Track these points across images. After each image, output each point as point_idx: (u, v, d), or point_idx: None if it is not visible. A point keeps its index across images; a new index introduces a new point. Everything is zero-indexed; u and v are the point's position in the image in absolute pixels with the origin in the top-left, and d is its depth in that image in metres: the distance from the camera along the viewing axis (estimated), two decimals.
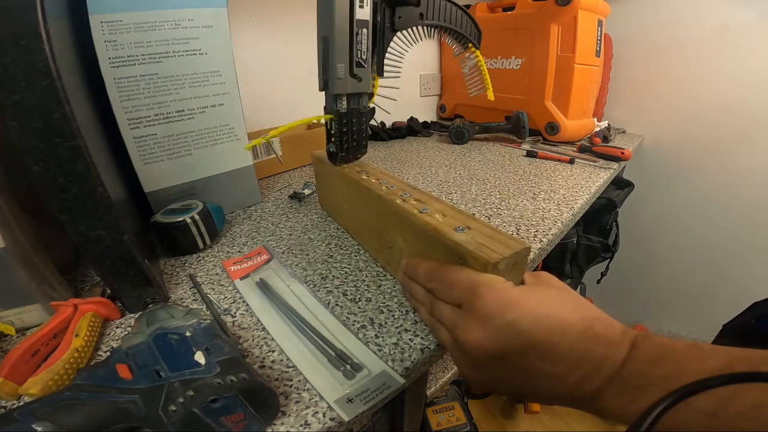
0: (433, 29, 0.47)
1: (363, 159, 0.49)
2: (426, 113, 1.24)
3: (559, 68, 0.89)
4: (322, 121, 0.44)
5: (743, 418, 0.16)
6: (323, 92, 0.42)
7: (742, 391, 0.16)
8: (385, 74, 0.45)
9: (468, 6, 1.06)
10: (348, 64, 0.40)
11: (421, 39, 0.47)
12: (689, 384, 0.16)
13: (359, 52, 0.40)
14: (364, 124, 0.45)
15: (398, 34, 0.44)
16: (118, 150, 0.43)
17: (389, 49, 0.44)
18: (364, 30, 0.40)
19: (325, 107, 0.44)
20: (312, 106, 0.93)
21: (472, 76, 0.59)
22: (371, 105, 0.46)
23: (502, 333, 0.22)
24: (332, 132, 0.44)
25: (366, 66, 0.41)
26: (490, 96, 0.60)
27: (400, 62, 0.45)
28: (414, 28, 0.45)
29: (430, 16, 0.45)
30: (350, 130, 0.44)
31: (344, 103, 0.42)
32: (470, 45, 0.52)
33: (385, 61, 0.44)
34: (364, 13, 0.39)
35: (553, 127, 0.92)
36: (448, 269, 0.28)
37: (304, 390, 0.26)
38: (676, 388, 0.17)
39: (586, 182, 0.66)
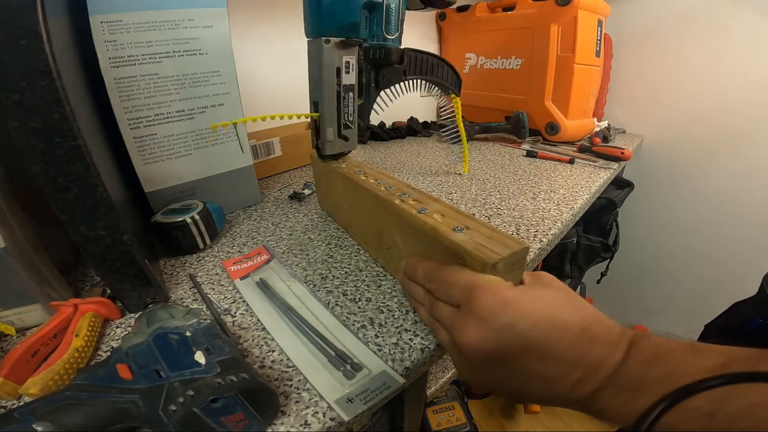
0: (416, 82, 0.51)
1: (363, 159, 0.50)
2: (426, 113, 1.24)
3: (559, 68, 0.89)
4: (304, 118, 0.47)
5: (740, 418, 0.16)
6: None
7: (739, 391, 0.16)
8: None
9: (468, 6, 1.06)
10: (336, 127, 0.44)
11: (405, 93, 0.50)
12: (687, 385, 0.16)
13: (346, 114, 0.44)
14: (352, 125, 0.47)
15: (382, 92, 0.48)
16: (118, 150, 0.43)
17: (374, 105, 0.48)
18: (351, 93, 0.44)
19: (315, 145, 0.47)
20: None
21: (450, 127, 0.63)
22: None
23: (499, 334, 0.22)
24: (319, 128, 0.46)
25: (353, 127, 0.45)
26: (465, 170, 0.65)
27: (382, 111, 0.50)
28: (397, 84, 0.48)
29: (412, 71, 0.48)
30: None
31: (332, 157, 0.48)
32: (451, 93, 0.55)
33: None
34: (350, 78, 0.43)
35: (553, 127, 0.92)
36: (447, 269, 0.28)
37: (304, 390, 0.26)
38: (673, 388, 0.17)
39: (586, 182, 0.66)
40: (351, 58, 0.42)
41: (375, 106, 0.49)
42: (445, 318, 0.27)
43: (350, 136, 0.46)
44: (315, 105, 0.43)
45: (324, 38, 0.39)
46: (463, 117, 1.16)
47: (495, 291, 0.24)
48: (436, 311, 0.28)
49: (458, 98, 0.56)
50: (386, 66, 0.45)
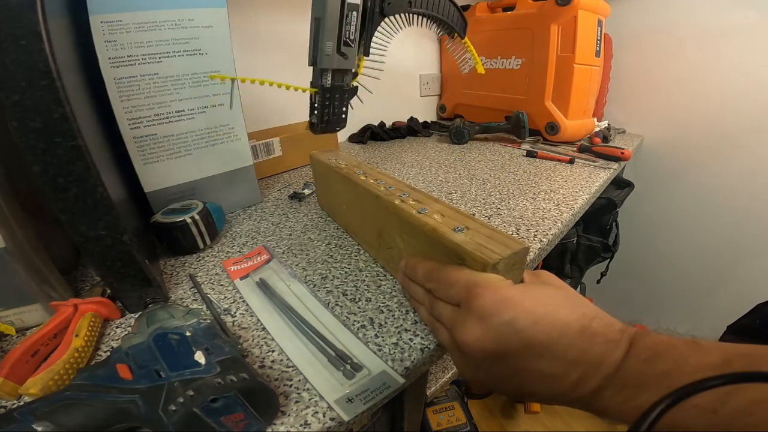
0: (420, 17, 0.49)
1: (363, 159, 0.50)
2: (426, 113, 1.24)
3: (559, 68, 0.89)
4: (307, 93, 0.46)
5: (743, 414, 0.16)
6: (311, 67, 0.45)
7: (741, 387, 0.16)
8: (372, 55, 0.48)
9: (467, 6, 1.06)
10: (336, 42, 0.43)
11: (408, 26, 0.49)
12: (689, 384, 0.16)
13: (347, 32, 0.43)
14: (345, 100, 0.48)
15: (386, 19, 0.46)
16: (118, 150, 0.43)
17: (376, 33, 0.47)
18: (354, 13, 0.42)
19: (311, 82, 0.47)
20: None
21: (461, 55, 0.62)
22: (354, 84, 0.48)
23: (499, 332, 0.22)
24: (315, 105, 0.47)
25: (353, 46, 0.44)
26: (480, 69, 0.62)
27: (386, 46, 0.48)
28: (401, 14, 0.47)
29: (418, 4, 0.47)
30: (332, 104, 0.47)
31: (329, 78, 0.45)
32: (455, 35, 0.54)
33: (372, 43, 0.47)
34: None
35: (553, 127, 0.92)
36: (447, 269, 0.28)
37: (304, 390, 0.26)
38: (675, 385, 0.17)
39: (586, 182, 0.66)
40: None
41: (379, 45, 0.48)
42: (446, 317, 0.27)
43: (349, 54, 0.45)
44: (316, 21, 0.42)
45: None
46: (461, 116, 1.17)
47: (495, 289, 0.24)
48: (437, 311, 0.28)
49: (467, 40, 0.56)
50: None
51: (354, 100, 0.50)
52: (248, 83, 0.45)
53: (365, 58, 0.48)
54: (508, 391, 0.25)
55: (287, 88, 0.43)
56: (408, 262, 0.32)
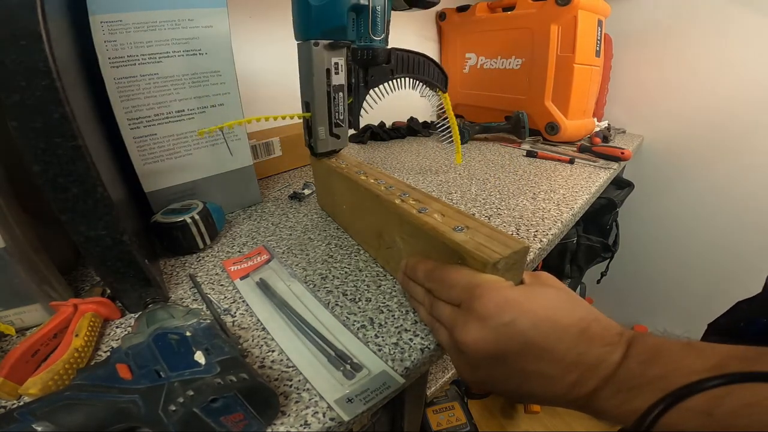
0: (403, 80, 0.52)
1: (363, 159, 0.50)
2: (426, 113, 1.24)
3: (559, 68, 0.89)
4: (296, 120, 0.47)
5: (738, 416, 0.16)
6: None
7: (736, 389, 0.16)
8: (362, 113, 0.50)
9: (467, 6, 1.06)
10: (327, 126, 0.46)
11: (394, 91, 0.52)
12: (685, 386, 0.17)
13: (337, 113, 0.46)
14: (342, 124, 0.49)
15: (371, 90, 0.49)
16: (118, 150, 0.43)
17: (364, 105, 0.50)
18: (340, 93, 0.45)
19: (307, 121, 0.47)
20: None
21: (442, 123, 0.64)
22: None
23: (499, 333, 0.22)
24: (311, 127, 0.47)
25: (343, 125, 0.47)
26: (458, 160, 0.66)
27: (373, 106, 0.51)
28: (385, 82, 0.50)
29: (399, 70, 0.50)
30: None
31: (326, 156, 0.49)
32: (438, 90, 0.57)
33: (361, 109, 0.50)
34: (339, 78, 0.44)
35: (553, 127, 0.92)
36: (447, 269, 0.28)
37: (304, 390, 0.26)
38: (671, 387, 0.17)
39: (586, 182, 0.66)
40: (340, 59, 0.44)
41: (365, 104, 0.50)
42: (446, 317, 0.27)
43: (341, 134, 0.48)
44: (306, 105, 0.45)
45: (313, 41, 0.41)
46: (462, 116, 1.17)
47: (496, 290, 0.24)
48: (437, 311, 0.28)
49: (446, 95, 0.58)
50: (374, 65, 0.47)
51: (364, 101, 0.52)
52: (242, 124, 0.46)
53: (354, 130, 0.51)
54: (506, 391, 0.25)
55: (282, 118, 0.44)
56: (408, 261, 0.32)
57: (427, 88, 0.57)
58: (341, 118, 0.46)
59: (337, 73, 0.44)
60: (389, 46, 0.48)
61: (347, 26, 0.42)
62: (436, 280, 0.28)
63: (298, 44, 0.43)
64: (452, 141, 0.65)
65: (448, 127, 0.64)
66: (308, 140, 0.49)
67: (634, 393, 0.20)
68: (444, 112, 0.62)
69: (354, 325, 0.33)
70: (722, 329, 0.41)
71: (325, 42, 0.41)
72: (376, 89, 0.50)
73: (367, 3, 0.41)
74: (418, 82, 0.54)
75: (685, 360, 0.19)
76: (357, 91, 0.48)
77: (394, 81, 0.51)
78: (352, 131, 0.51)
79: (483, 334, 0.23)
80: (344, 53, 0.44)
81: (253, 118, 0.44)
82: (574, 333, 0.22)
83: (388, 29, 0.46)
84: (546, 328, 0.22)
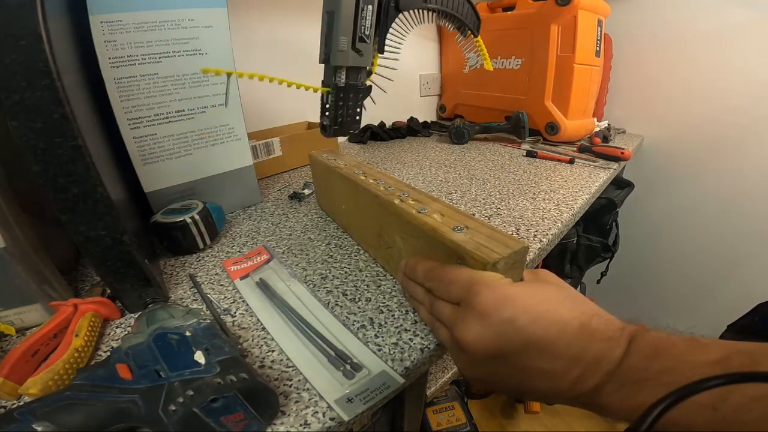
0: (434, 13, 0.48)
1: (362, 159, 0.49)
2: (426, 113, 1.24)
3: (559, 68, 0.89)
4: (314, 92, 0.44)
5: (744, 411, 0.16)
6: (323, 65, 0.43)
7: (741, 384, 0.16)
8: (386, 53, 0.46)
9: None
10: (351, 37, 0.41)
11: (422, 22, 0.47)
12: (689, 384, 0.17)
13: (363, 27, 0.41)
14: (360, 100, 0.46)
15: (401, 14, 0.44)
16: (118, 150, 0.43)
17: (391, 29, 0.45)
18: (369, 6, 0.41)
19: (323, 81, 0.44)
20: (313, 105, 0.93)
21: (470, 52, 0.58)
22: (368, 83, 0.46)
23: (500, 330, 0.22)
24: (327, 105, 0.44)
25: (368, 41, 0.42)
26: (488, 66, 0.58)
27: (400, 43, 0.46)
28: (416, 10, 0.45)
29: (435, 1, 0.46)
30: (346, 104, 0.44)
31: (343, 76, 0.42)
32: (469, 33, 0.52)
33: (386, 40, 0.45)
34: None
35: (553, 127, 0.92)
36: (447, 268, 0.28)
37: (303, 390, 0.26)
38: (674, 382, 0.17)
39: (586, 182, 0.66)
40: None
41: (387, 43, 0.46)
42: (446, 316, 0.27)
43: (364, 51, 0.42)
44: (329, 15, 0.40)
45: None
46: (462, 116, 1.16)
47: (495, 287, 0.24)
48: (437, 309, 0.28)
49: (479, 38, 0.53)
50: None
51: (365, 101, 0.48)
52: (252, 80, 0.42)
53: (379, 55, 0.46)
54: (507, 388, 0.25)
55: (297, 86, 0.41)
56: (408, 261, 0.32)
57: (457, 30, 0.52)
58: (367, 33, 0.41)
59: None
60: None
61: None
62: (436, 279, 0.28)
63: None
64: (481, 62, 0.59)
65: (479, 58, 0.58)
66: (322, 119, 0.45)
67: (638, 388, 0.20)
68: (475, 51, 0.56)
69: (354, 325, 0.33)
70: (742, 330, 0.41)
71: None
72: (404, 15, 0.45)
73: None
74: (449, 19, 0.49)
75: (688, 354, 0.19)
76: (386, 12, 0.43)
77: (425, 12, 0.46)
78: (373, 70, 0.46)
79: (483, 332, 0.23)
80: None
81: (267, 77, 0.41)
82: (575, 328, 0.22)
83: None
84: (546, 323, 0.22)
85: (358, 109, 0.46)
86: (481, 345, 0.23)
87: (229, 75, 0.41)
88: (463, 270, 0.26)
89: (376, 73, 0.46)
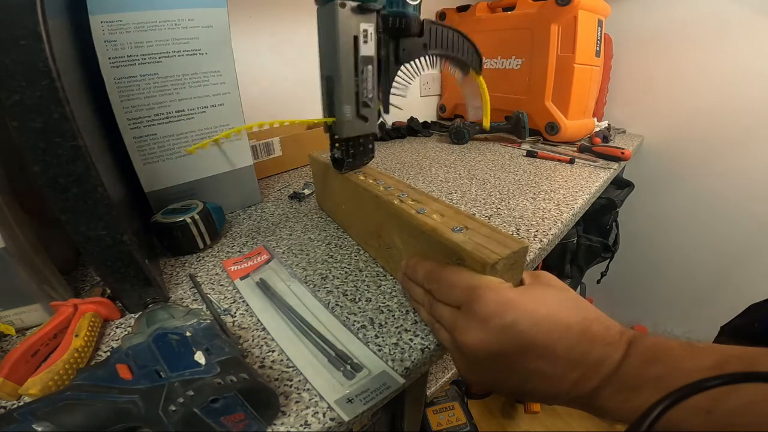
0: (436, 58, 0.45)
1: None
2: (426, 113, 1.24)
3: (559, 68, 0.89)
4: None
5: (738, 415, 0.17)
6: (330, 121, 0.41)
7: (736, 388, 0.16)
8: (390, 108, 0.44)
9: (467, 6, 1.06)
10: (354, 105, 0.40)
11: (425, 69, 0.45)
12: (686, 385, 0.17)
13: (365, 91, 0.39)
14: (370, 143, 0.44)
15: (402, 66, 0.42)
16: (118, 150, 0.43)
17: (394, 83, 0.43)
18: (369, 67, 0.39)
19: (333, 123, 0.42)
20: (313, 105, 0.93)
21: (473, 99, 0.55)
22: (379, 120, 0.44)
23: (501, 334, 0.22)
24: (336, 137, 0.42)
25: (372, 106, 0.41)
26: (486, 125, 0.57)
27: (404, 94, 0.44)
28: (418, 59, 0.43)
29: (434, 45, 0.43)
30: (356, 149, 0.43)
31: (350, 141, 0.42)
32: (472, 71, 0.50)
33: (390, 96, 0.43)
34: (368, 48, 0.38)
35: (553, 127, 0.92)
36: (447, 270, 0.28)
37: (304, 390, 0.26)
38: (671, 386, 0.17)
39: (586, 182, 0.66)
40: (369, 26, 0.38)
41: (397, 101, 0.44)
42: (446, 319, 0.27)
43: (369, 116, 0.41)
44: (328, 81, 0.39)
45: (339, 1, 0.35)
46: (461, 115, 1.16)
47: (496, 291, 0.24)
48: (437, 312, 0.28)
49: (481, 77, 0.51)
50: (406, 37, 0.40)
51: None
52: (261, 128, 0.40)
53: (384, 113, 0.44)
54: (508, 390, 0.25)
55: (308, 126, 0.39)
56: (408, 262, 0.32)
57: (458, 70, 0.49)
58: (370, 96, 0.40)
59: (365, 42, 0.38)
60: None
61: None
62: (436, 281, 0.28)
63: (318, 8, 0.38)
64: (479, 114, 0.56)
65: (478, 108, 0.55)
66: (333, 152, 0.44)
67: (636, 392, 0.20)
68: (475, 92, 0.53)
69: (354, 325, 0.33)
70: (735, 331, 0.41)
71: (353, 3, 0.36)
72: (408, 66, 0.43)
73: None
74: (451, 61, 0.47)
75: (685, 359, 0.19)
76: (387, 67, 0.41)
77: (427, 58, 0.44)
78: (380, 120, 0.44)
79: (485, 336, 0.23)
80: (374, 19, 0.38)
81: (255, 124, 0.40)
82: (576, 332, 0.22)
83: None
84: (548, 327, 0.22)
85: (371, 137, 0.45)
86: (482, 348, 0.23)
87: (216, 141, 0.40)
88: (464, 273, 0.26)
89: (382, 113, 0.44)
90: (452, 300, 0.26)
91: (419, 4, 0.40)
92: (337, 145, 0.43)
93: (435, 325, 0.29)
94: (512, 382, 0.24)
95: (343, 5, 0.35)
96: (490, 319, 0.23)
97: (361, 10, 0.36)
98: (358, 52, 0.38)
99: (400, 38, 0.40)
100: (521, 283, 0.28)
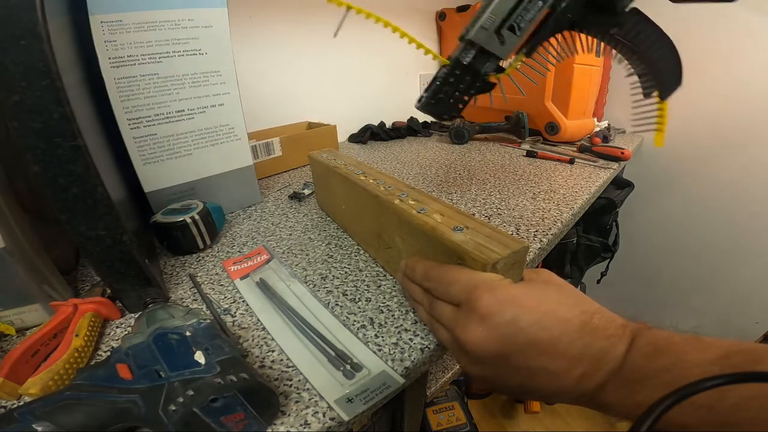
0: (620, 46, 0.38)
1: (362, 159, 0.49)
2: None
3: (559, 68, 0.88)
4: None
5: (740, 410, 0.17)
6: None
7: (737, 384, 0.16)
8: (533, 57, 0.39)
9: (467, 6, 1.06)
10: (500, 19, 0.35)
11: (598, 55, 0.39)
12: (692, 383, 0.17)
13: (520, 16, 0.35)
14: (473, 90, 0.40)
15: (573, 32, 0.37)
16: (118, 150, 0.43)
17: (552, 40, 0.38)
18: (540, 3, 0.34)
19: (450, 55, 0.39)
20: (313, 105, 0.93)
21: (648, 112, 0.47)
22: (493, 80, 0.40)
23: (502, 331, 0.22)
24: (436, 77, 0.39)
25: (518, 35, 0.36)
26: (658, 143, 0.47)
27: (553, 61, 0.39)
28: (596, 36, 0.38)
29: (628, 34, 0.37)
30: (457, 84, 0.39)
31: (470, 56, 0.37)
32: (656, 93, 0.42)
33: (539, 48, 0.39)
34: None
35: (553, 127, 0.92)
36: (446, 268, 0.28)
37: (304, 390, 0.26)
38: (675, 380, 0.17)
39: (586, 182, 0.66)
40: None
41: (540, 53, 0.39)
42: (446, 317, 0.27)
43: (508, 41, 0.36)
44: None
45: None
46: (461, 115, 1.16)
47: (496, 289, 0.24)
48: (436, 310, 0.28)
49: (665, 103, 0.43)
50: (596, 6, 0.35)
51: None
52: (368, 18, 0.36)
53: (524, 58, 0.39)
54: (511, 388, 0.25)
55: (418, 46, 0.35)
56: (407, 262, 0.32)
57: (639, 85, 0.41)
58: (522, 25, 0.35)
59: None
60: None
61: None
62: (434, 279, 0.28)
63: None
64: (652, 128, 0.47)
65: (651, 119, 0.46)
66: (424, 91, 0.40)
67: (640, 386, 0.20)
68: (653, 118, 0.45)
69: (354, 325, 0.33)
70: None
71: None
72: (579, 35, 0.37)
73: None
74: (636, 66, 0.39)
75: (689, 353, 0.19)
76: (557, 20, 0.36)
77: (604, 39, 0.37)
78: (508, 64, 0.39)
79: (485, 334, 0.23)
80: None
81: (391, 25, 0.36)
82: (577, 326, 0.22)
83: None
84: (548, 322, 0.22)
85: (466, 97, 0.40)
86: (483, 346, 0.23)
87: (348, 8, 0.33)
88: (463, 271, 0.26)
89: (508, 75, 0.40)
90: (452, 298, 0.26)
91: None
92: (432, 84, 0.38)
93: (434, 325, 0.29)
94: (515, 379, 0.24)
95: None
96: (490, 317, 0.23)
97: None
98: None
99: (588, 5, 0.35)
100: (521, 281, 0.28)
